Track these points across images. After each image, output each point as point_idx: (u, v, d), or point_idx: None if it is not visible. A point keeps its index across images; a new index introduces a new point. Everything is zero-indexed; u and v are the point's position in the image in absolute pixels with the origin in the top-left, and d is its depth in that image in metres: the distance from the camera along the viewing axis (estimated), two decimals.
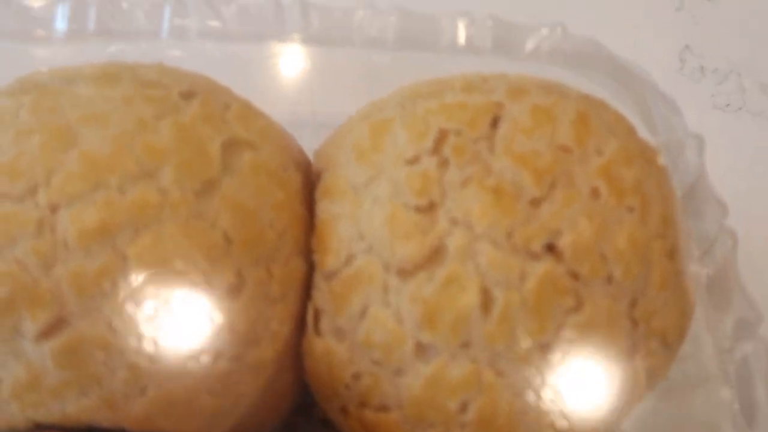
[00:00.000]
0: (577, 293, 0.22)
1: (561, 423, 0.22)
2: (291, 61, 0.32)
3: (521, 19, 0.44)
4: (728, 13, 0.48)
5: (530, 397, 0.22)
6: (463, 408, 0.22)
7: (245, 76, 0.33)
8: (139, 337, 0.22)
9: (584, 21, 0.48)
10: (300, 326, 0.26)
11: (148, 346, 0.22)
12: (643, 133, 0.26)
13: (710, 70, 0.46)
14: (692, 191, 0.25)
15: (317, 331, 0.25)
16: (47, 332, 0.21)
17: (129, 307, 0.22)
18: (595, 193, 0.23)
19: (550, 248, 0.22)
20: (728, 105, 0.44)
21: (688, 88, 0.45)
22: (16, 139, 0.23)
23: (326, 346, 0.25)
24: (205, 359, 0.23)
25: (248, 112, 0.28)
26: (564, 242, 0.22)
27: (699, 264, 0.25)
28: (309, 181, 0.29)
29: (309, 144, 0.31)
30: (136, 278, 0.22)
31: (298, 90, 0.35)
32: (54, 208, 0.22)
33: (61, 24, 0.26)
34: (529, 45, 0.28)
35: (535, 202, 0.23)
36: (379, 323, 0.23)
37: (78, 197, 0.22)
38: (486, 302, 0.22)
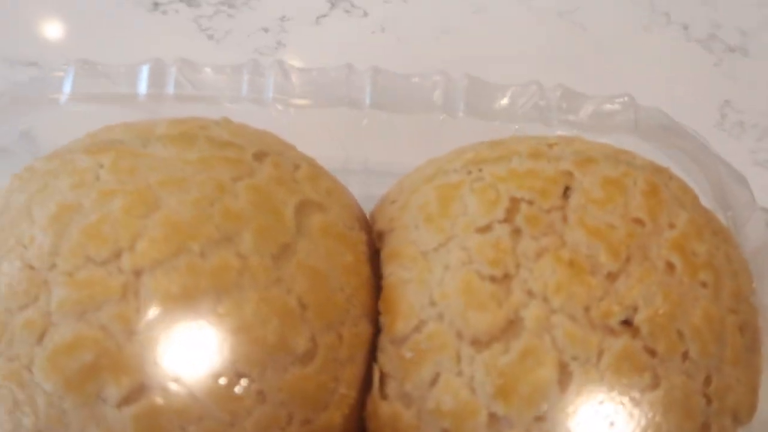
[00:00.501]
0: (653, 370, 0.22)
1: None
2: (350, 120, 0.33)
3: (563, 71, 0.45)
4: (765, 69, 0.49)
5: None
6: None
7: (303, 131, 0.33)
8: (218, 403, 0.22)
9: (623, 78, 0.49)
10: (365, 388, 0.26)
11: (224, 413, 0.22)
12: (707, 202, 0.26)
13: (750, 126, 0.46)
14: (757, 264, 0.26)
15: (383, 395, 0.25)
16: (129, 398, 0.21)
17: (209, 373, 0.22)
18: (669, 267, 0.24)
19: (627, 324, 0.23)
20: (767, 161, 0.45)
21: (728, 143, 0.46)
22: (98, 201, 0.24)
23: (393, 411, 0.25)
24: (277, 424, 0.23)
25: (316, 172, 0.29)
26: (641, 318, 0.23)
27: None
28: (371, 240, 0.29)
29: (360, 191, 0.31)
30: (217, 345, 0.22)
31: (352, 141, 0.36)
32: (138, 273, 0.22)
33: (143, 84, 0.27)
34: (590, 111, 0.28)
35: (612, 276, 0.23)
36: (450, 392, 0.23)
37: (161, 262, 0.23)
38: (563, 377, 0.22)
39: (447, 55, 0.49)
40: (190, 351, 0.22)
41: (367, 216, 0.31)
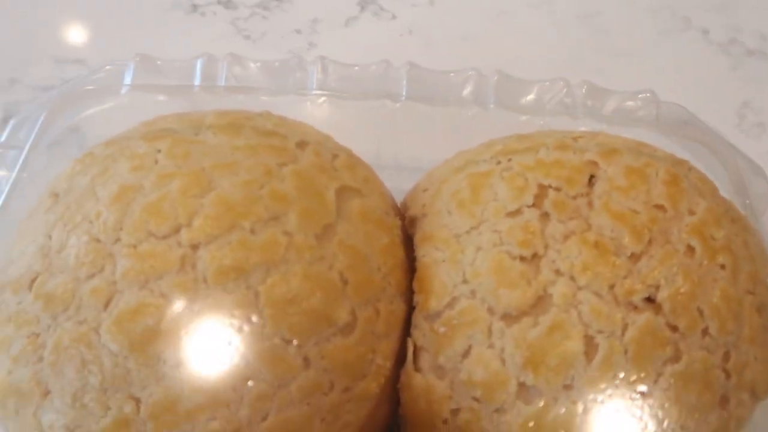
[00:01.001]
0: (675, 344, 0.24)
1: None
2: (384, 114, 0.35)
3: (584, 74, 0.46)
4: None
5: None
6: None
7: (337, 124, 0.35)
8: (266, 367, 0.24)
9: (643, 82, 0.50)
10: (399, 362, 0.28)
11: (272, 375, 0.24)
12: (726, 193, 0.28)
13: None
14: None
15: (417, 368, 0.27)
16: (186, 359, 0.23)
17: (258, 339, 0.24)
18: (690, 250, 0.25)
19: (650, 301, 0.24)
20: None
21: (747, 144, 0.47)
22: (157, 183, 0.26)
23: (426, 382, 0.27)
24: (320, 389, 0.25)
25: (353, 161, 0.31)
26: (663, 296, 0.24)
27: None
28: (404, 226, 0.31)
29: (391, 185, 0.33)
30: (267, 313, 0.24)
31: (383, 135, 0.38)
32: (195, 247, 0.24)
33: (198, 78, 0.29)
34: (613, 106, 0.30)
35: (635, 257, 0.25)
36: (482, 363, 0.25)
37: (216, 237, 0.24)
38: (589, 349, 0.24)
39: (472, 57, 0.51)
40: (241, 318, 0.24)
41: (399, 206, 0.33)
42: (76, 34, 0.50)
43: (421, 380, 0.27)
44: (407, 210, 0.32)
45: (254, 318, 0.24)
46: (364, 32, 0.51)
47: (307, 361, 0.24)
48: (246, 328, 0.24)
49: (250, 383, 0.24)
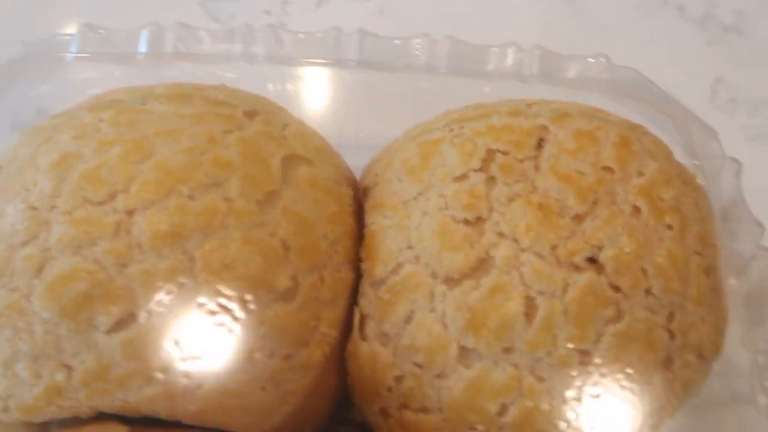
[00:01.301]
0: (617, 304, 0.23)
1: (597, 428, 0.23)
2: (340, 85, 0.34)
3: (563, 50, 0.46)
4: (759, 46, 0.50)
5: (569, 402, 0.23)
6: (503, 411, 0.23)
7: (297, 98, 0.35)
8: (201, 333, 0.24)
9: (618, 54, 0.50)
10: (346, 331, 0.28)
11: (208, 342, 0.24)
12: (681, 157, 0.27)
13: (742, 102, 0.47)
14: (730, 212, 0.27)
15: (362, 336, 0.27)
16: (118, 325, 0.23)
17: (193, 305, 0.23)
18: (636, 211, 0.25)
19: (592, 261, 0.24)
20: (760, 135, 0.45)
21: (720, 119, 0.46)
22: (97, 150, 0.26)
23: (371, 350, 0.26)
24: (258, 356, 0.25)
25: (304, 131, 0.30)
26: (605, 256, 0.24)
27: (736, 281, 0.25)
28: (357, 196, 0.31)
29: (353, 163, 0.33)
30: (202, 278, 0.24)
31: (345, 113, 0.37)
32: (130, 213, 0.24)
33: (143, 47, 0.29)
34: (572, 73, 0.30)
35: (579, 218, 0.24)
36: (424, 328, 0.25)
37: (153, 203, 0.24)
38: (529, 310, 0.23)
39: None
40: (175, 283, 0.23)
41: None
42: (41, 22, 0.49)
43: (366, 348, 0.26)
44: (362, 182, 0.32)
45: (189, 283, 0.23)
46: (335, 13, 0.51)
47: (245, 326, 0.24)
48: (181, 293, 0.23)
49: (185, 349, 0.23)
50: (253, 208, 0.25)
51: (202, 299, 0.24)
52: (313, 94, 0.34)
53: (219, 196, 0.25)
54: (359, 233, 0.29)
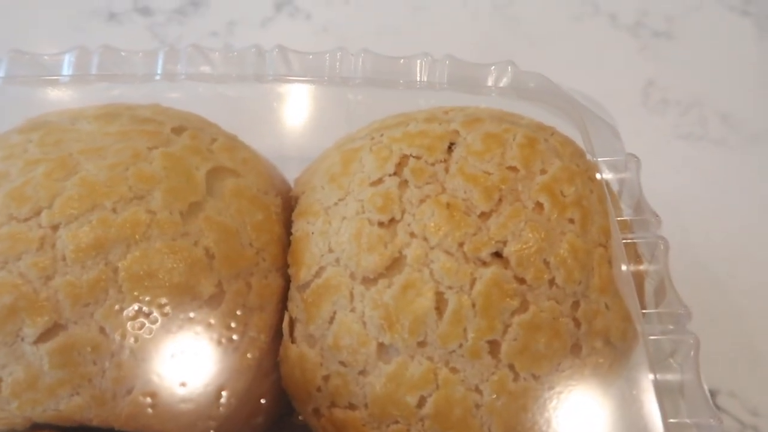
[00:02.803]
0: (522, 296, 0.25)
1: (512, 415, 0.24)
2: (277, 101, 0.36)
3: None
4: (688, 50, 0.52)
5: (482, 390, 0.24)
6: (422, 403, 0.24)
7: (240, 115, 0.36)
8: (127, 340, 0.24)
9: (553, 62, 0.52)
10: (278, 336, 0.28)
11: (134, 349, 0.24)
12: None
13: (674, 103, 0.49)
14: (637, 206, 0.28)
15: (292, 339, 0.28)
16: (45, 336, 0.24)
17: (118, 314, 0.24)
18: (538, 207, 0.26)
19: (497, 256, 0.25)
20: (690, 134, 0.47)
21: (652, 119, 0.48)
22: (24, 169, 0.27)
23: (299, 352, 0.27)
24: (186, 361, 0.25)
25: (233, 144, 0.32)
26: (509, 250, 0.25)
27: (638, 269, 0.27)
28: (289, 206, 0.32)
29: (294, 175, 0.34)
30: (125, 288, 0.24)
31: (287, 127, 0.39)
32: (55, 228, 0.25)
33: (68, 70, 0.30)
34: (481, 80, 0.31)
35: (484, 216, 0.26)
36: (345, 328, 0.26)
37: (76, 217, 0.25)
38: (440, 305, 0.25)
39: (387, 53, 0.52)
40: (100, 293, 0.24)
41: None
42: None
43: (295, 350, 0.27)
44: (294, 190, 0.33)
45: (113, 293, 0.24)
46: (280, 33, 0.52)
47: (170, 333, 0.25)
48: (106, 302, 0.24)
49: (112, 356, 0.24)
50: (177, 219, 0.26)
51: (127, 307, 0.24)
52: (250, 111, 0.35)
53: (142, 209, 0.26)
54: (288, 241, 0.30)
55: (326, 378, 0.26)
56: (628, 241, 0.28)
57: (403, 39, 0.52)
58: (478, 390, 0.24)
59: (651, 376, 0.23)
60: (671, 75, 0.50)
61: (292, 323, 0.28)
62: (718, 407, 0.35)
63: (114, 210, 0.25)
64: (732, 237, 0.42)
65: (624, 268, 0.26)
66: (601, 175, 0.28)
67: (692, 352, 0.24)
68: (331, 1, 0.54)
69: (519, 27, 0.54)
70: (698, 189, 0.44)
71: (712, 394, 0.35)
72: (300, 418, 0.30)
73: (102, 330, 0.24)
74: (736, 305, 0.39)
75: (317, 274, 0.27)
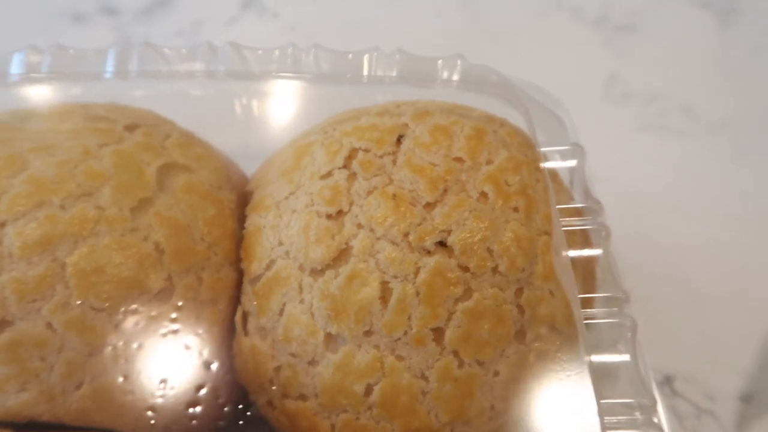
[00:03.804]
0: (466, 283, 0.25)
1: (456, 401, 0.25)
2: (236, 98, 0.36)
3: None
4: (650, 44, 0.53)
5: (428, 377, 0.25)
6: (369, 391, 0.25)
7: (201, 112, 0.36)
8: (75, 335, 0.25)
9: (516, 56, 0.52)
10: (232, 329, 0.29)
11: (82, 343, 0.25)
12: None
13: (636, 95, 0.49)
14: (583, 193, 0.29)
15: (245, 332, 0.28)
16: None
17: (65, 309, 0.24)
18: (483, 196, 0.26)
19: (442, 245, 0.25)
20: (650, 125, 0.48)
21: (614, 111, 0.49)
22: None
23: (252, 345, 0.27)
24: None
25: (187, 141, 0.32)
26: (453, 239, 0.25)
27: (581, 255, 0.27)
28: (245, 201, 0.32)
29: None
30: (73, 283, 0.25)
31: (248, 123, 0.39)
32: (2, 225, 0.25)
33: (18, 69, 0.30)
34: (430, 73, 0.32)
35: (430, 206, 0.26)
36: (294, 319, 0.26)
37: (23, 214, 0.25)
38: (385, 294, 0.25)
39: (353, 49, 0.52)
40: (46, 289, 0.24)
41: None
42: None
43: (248, 343, 0.28)
44: (249, 185, 0.33)
45: (60, 288, 0.25)
46: (247, 31, 0.52)
47: (118, 327, 0.25)
48: (54, 298, 0.24)
49: (59, 352, 0.24)
50: (126, 215, 0.26)
51: (75, 302, 0.25)
52: (212, 109, 0.35)
53: (91, 205, 0.26)
54: (242, 235, 0.30)
55: (277, 369, 0.27)
56: (577, 227, 0.28)
57: (371, 36, 0.53)
58: (424, 377, 0.25)
59: (587, 358, 0.24)
60: (633, 68, 0.51)
61: (245, 316, 0.28)
62: (674, 392, 0.36)
63: (62, 207, 0.26)
64: (692, 225, 0.43)
65: (564, 254, 0.27)
66: (546, 164, 0.29)
67: (629, 334, 0.24)
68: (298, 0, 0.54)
69: (485, 22, 0.55)
70: (659, 178, 0.45)
71: (669, 379, 0.36)
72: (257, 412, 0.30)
73: (49, 326, 0.24)
74: (694, 292, 0.39)
75: (268, 267, 0.27)
